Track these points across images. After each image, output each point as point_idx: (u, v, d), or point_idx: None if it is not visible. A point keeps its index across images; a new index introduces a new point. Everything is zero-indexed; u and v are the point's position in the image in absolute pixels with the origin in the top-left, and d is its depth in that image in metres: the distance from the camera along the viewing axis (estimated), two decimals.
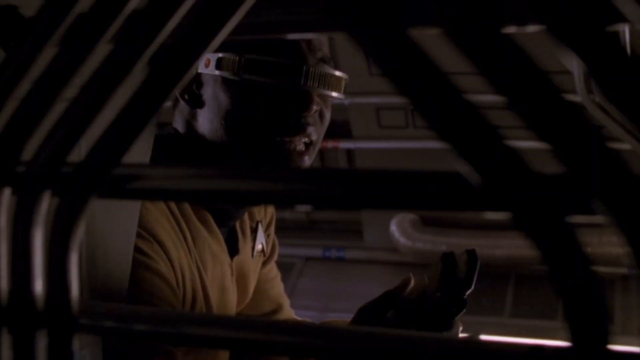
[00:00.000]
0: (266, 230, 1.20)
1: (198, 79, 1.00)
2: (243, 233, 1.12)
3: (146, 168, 0.38)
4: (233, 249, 1.08)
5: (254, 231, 1.15)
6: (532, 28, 0.32)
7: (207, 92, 0.99)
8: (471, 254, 1.00)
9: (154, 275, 0.90)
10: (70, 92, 0.38)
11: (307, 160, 1.01)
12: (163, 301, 0.90)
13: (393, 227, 2.94)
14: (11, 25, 0.53)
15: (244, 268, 1.13)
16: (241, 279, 1.13)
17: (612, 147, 0.27)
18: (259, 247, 1.16)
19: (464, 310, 0.98)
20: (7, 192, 0.39)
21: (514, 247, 2.66)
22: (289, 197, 0.37)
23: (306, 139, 0.99)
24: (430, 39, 0.34)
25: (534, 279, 2.71)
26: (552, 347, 0.30)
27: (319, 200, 0.37)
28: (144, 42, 0.36)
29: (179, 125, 1.03)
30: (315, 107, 0.98)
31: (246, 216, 1.14)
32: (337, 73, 1.00)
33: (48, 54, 0.38)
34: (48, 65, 0.38)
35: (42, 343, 0.38)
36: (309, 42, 0.99)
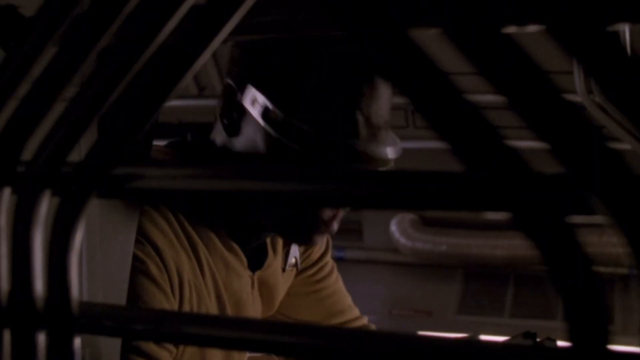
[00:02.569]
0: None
1: (240, 108, 0.96)
2: (274, 249, 1.10)
3: (146, 168, 0.38)
4: (256, 263, 1.07)
5: (287, 245, 1.13)
6: (532, 28, 0.32)
7: (247, 129, 0.96)
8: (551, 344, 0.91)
9: (143, 277, 0.90)
10: (70, 92, 0.38)
11: (335, 226, 1.00)
12: (151, 304, 0.89)
13: (393, 227, 2.94)
14: (11, 25, 0.53)
15: (270, 282, 1.11)
16: (267, 292, 1.11)
17: (612, 147, 0.27)
18: (291, 261, 1.13)
19: None
20: (7, 192, 0.39)
21: (514, 247, 2.66)
22: (288, 197, 0.37)
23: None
24: (430, 39, 0.34)
25: (534, 279, 2.71)
26: (552, 347, 0.30)
27: (319, 200, 0.37)
28: (144, 41, 0.36)
29: (217, 139, 1.01)
30: None
31: None
32: (388, 153, 0.95)
33: (48, 54, 0.38)
34: (48, 65, 0.38)
35: (42, 343, 0.38)
36: (369, 105, 0.93)
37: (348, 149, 0.92)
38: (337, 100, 0.92)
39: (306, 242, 1.06)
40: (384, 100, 0.95)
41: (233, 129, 0.97)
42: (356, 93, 0.93)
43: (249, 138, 0.96)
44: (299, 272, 1.20)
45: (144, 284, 0.89)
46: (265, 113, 0.92)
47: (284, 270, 1.13)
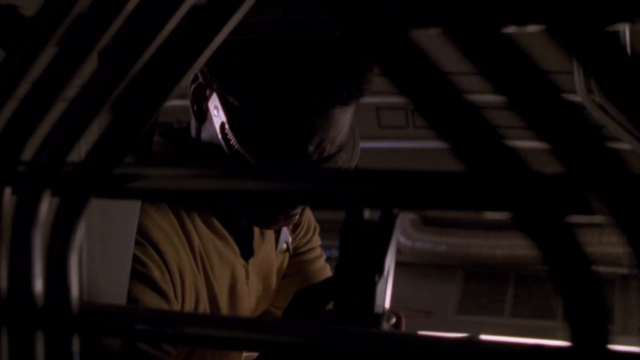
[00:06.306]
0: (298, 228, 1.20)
1: (205, 96, 0.96)
2: (262, 234, 1.11)
3: (146, 168, 0.38)
4: (247, 251, 1.07)
5: (277, 231, 1.13)
6: (532, 28, 0.32)
7: (209, 125, 0.97)
8: (386, 216, 0.74)
9: (145, 281, 0.89)
10: (70, 92, 0.38)
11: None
12: (152, 307, 0.89)
13: None
14: (11, 25, 0.53)
15: (264, 268, 1.12)
16: (263, 278, 1.12)
17: (612, 147, 0.27)
18: (283, 246, 1.14)
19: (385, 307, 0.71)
20: (7, 192, 0.39)
21: (514, 247, 2.66)
22: (288, 197, 0.37)
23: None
24: (430, 39, 0.34)
25: (534, 279, 2.71)
26: (552, 347, 0.30)
27: (319, 200, 0.37)
28: (144, 41, 0.36)
29: (192, 127, 1.02)
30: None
31: None
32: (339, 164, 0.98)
33: (48, 54, 0.38)
34: (48, 65, 0.38)
35: (41, 343, 0.38)
36: (321, 136, 0.93)
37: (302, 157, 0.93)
38: (288, 134, 0.92)
39: (271, 225, 1.05)
40: (338, 127, 0.95)
41: (200, 115, 0.98)
42: (308, 129, 0.92)
43: (212, 130, 0.97)
44: (291, 256, 1.21)
45: (145, 288, 0.89)
46: (222, 128, 0.93)
47: (276, 254, 1.15)
